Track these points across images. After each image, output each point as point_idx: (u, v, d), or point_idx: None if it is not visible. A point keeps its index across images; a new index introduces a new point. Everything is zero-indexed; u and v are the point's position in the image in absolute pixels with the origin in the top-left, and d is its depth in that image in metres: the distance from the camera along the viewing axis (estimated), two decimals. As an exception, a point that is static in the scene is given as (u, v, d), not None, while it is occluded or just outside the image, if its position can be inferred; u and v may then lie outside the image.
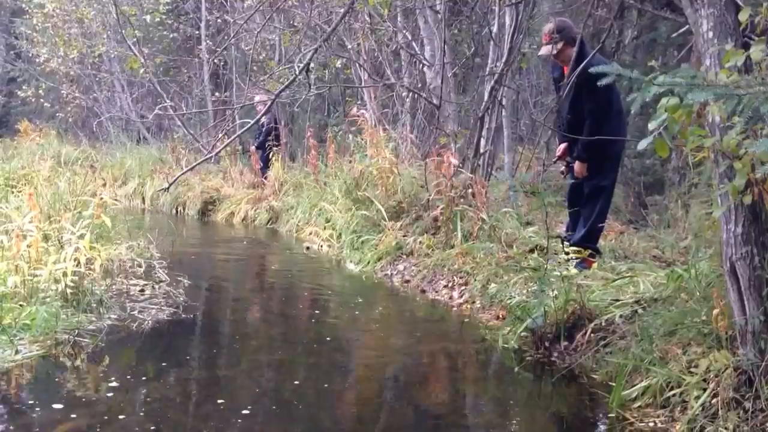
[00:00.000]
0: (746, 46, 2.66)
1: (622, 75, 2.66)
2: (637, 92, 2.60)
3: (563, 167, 5.54)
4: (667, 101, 2.44)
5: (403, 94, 9.52)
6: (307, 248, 8.06)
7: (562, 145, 5.47)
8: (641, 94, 2.54)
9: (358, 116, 8.34)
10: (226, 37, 12.43)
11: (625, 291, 4.42)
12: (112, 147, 14.92)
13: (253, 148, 11.45)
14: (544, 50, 5.21)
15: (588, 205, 5.28)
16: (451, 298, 5.65)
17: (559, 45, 5.09)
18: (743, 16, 2.65)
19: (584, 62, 4.66)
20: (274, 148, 10.83)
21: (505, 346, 4.38)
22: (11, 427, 3.12)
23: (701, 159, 3.22)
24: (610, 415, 3.33)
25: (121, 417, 3.27)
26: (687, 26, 3.51)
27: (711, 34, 2.84)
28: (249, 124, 5.41)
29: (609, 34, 5.93)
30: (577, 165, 5.30)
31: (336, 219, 8.17)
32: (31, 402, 3.45)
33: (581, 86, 4.73)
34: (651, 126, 2.58)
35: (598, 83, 2.81)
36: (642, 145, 2.65)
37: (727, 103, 2.28)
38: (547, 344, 4.24)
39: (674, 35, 7.13)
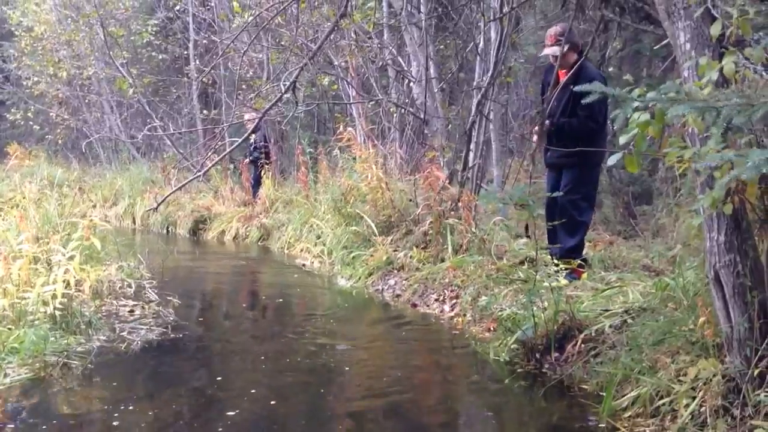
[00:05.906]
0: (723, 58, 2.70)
1: (605, 93, 2.70)
2: (620, 108, 2.64)
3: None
4: (639, 117, 2.47)
5: (391, 109, 9.56)
6: (303, 265, 8.05)
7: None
8: (623, 110, 2.58)
9: (345, 135, 8.38)
10: (214, 57, 12.46)
11: (615, 301, 4.44)
12: (102, 168, 14.90)
13: (246, 161, 11.49)
14: (550, 50, 5.23)
15: (571, 214, 5.18)
16: (442, 311, 5.66)
17: (565, 48, 5.12)
18: (715, 30, 2.69)
19: (583, 70, 4.85)
20: (266, 166, 10.86)
21: (496, 358, 4.38)
22: (0, 452, 3.10)
23: (686, 169, 3.25)
24: (600, 425, 3.34)
25: (110, 439, 3.25)
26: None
27: (688, 46, 2.87)
28: (237, 143, 5.44)
29: (592, 47, 5.98)
30: (539, 128, 5.33)
31: (326, 235, 8.18)
32: (20, 425, 3.42)
33: (582, 94, 4.73)
34: (621, 140, 2.61)
35: (583, 101, 2.86)
36: (612, 160, 2.68)
37: (706, 117, 2.31)
38: (537, 355, 4.24)
39: (657, 47, 7.21)
